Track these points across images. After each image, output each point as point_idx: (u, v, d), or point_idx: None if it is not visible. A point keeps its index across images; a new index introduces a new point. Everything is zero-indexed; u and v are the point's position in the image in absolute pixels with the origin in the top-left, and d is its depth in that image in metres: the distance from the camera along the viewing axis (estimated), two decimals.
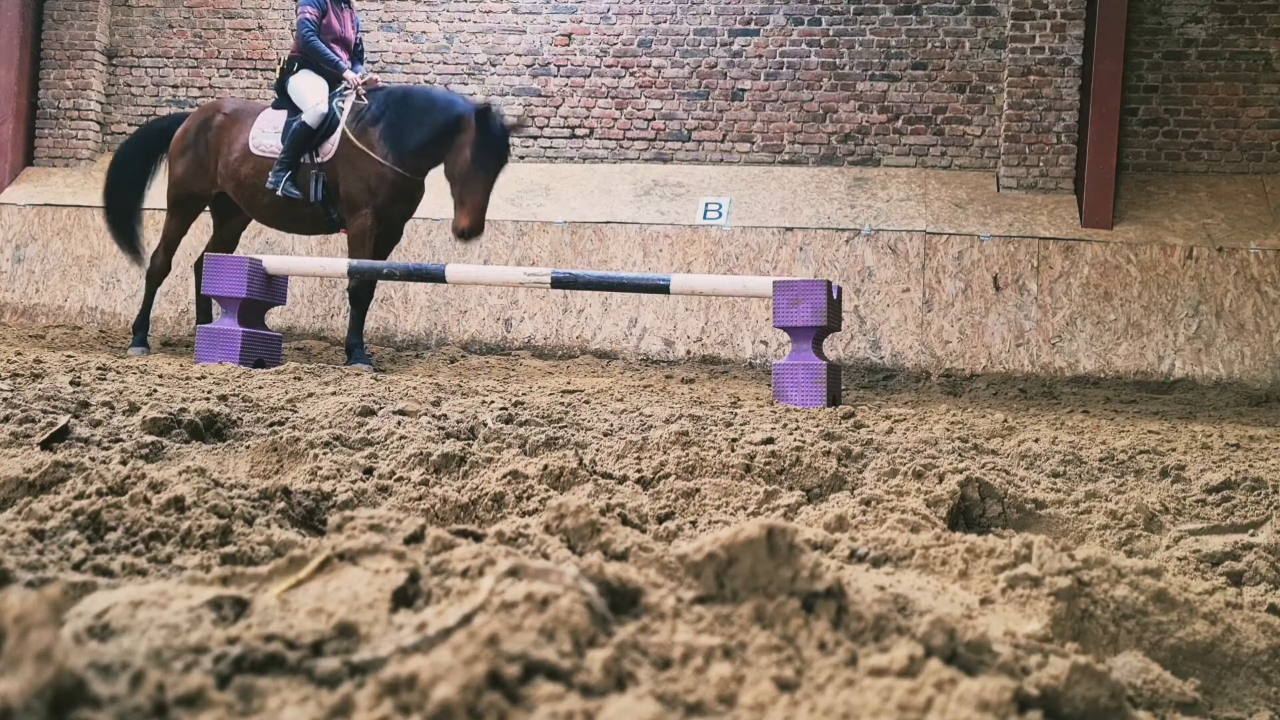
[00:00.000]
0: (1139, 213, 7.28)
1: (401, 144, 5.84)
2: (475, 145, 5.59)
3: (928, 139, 7.81)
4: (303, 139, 5.89)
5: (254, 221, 6.57)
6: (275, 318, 7.35)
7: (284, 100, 6.18)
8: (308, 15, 6.07)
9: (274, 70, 8.63)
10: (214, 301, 6.05)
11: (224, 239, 6.65)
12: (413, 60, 8.49)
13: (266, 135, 6.08)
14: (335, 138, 5.92)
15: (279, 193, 5.87)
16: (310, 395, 3.15)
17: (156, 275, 6.51)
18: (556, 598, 0.69)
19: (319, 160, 5.95)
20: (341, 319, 7.73)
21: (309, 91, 6.04)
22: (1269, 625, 1.01)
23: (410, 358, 6.82)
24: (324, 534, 1.22)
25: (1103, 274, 6.99)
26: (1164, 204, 7.33)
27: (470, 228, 5.59)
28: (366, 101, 5.95)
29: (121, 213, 6.60)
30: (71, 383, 2.98)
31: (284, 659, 0.66)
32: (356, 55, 6.35)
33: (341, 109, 5.98)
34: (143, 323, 6.43)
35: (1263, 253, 6.87)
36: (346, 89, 6.00)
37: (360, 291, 5.86)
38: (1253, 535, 1.51)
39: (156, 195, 6.96)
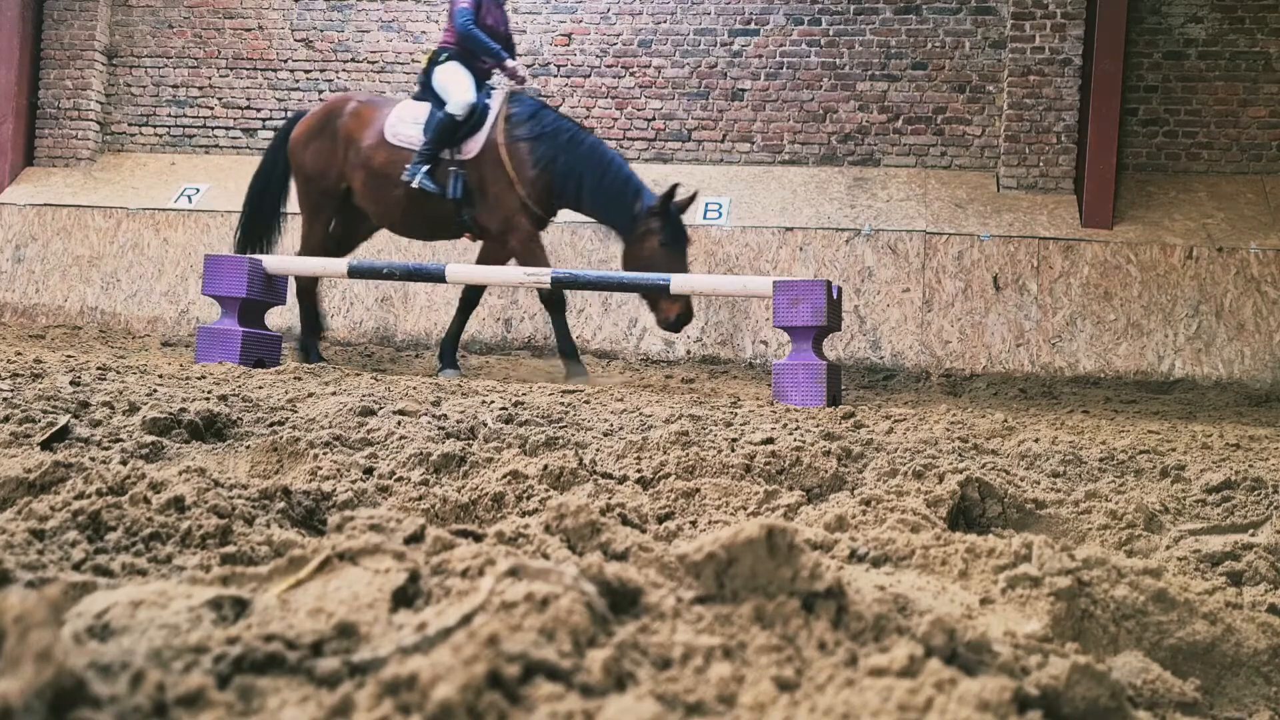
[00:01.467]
0: (1139, 213, 7.28)
1: (550, 182, 5.61)
2: (666, 231, 5.40)
3: (928, 139, 7.81)
4: (447, 131, 5.62)
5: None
6: (275, 318, 7.35)
7: (426, 92, 5.92)
8: (465, 4, 5.80)
9: (273, 70, 8.64)
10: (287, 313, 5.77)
11: (337, 246, 6.19)
12: (413, 60, 8.49)
13: (405, 124, 5.79)
14: (481, 137, 5.67)
15: (414, 184, 5.58)
16: (310, 395, 3.15)
17: (308, 289, 6.07)
18: (556, 598, 0.69)
19: (460, 158, 5.68)
20: (342, 319, 7.73)
21: (456, 83, 5.75)
22: (1269, 625, 1.01)
23: (410, 358, 6.82)
24: (324, 534, 1.22)
25: (1103, 274, 6.99)
26: (1164, 204, 7.33)
27: (682, 314, 5.36)
28: (515, 109, 5.71)
29: (260, 221, 6.25)
30: (71, 383, 2.98)
31: (284, 659, 0.66)
32: (509, 51, 6.08)
33: (489, 107, 5.74)
34: (309, 337, 6.03)
35: (1263, 253, 6.87)
36: (494, 87, 5.73)
37: (557, 299, 5.60)
38: (1253, 535, 1.51)
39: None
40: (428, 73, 5.91)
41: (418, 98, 5.97)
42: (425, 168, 5.58)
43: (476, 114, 5.67)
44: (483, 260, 6.01)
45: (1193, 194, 7.38)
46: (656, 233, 5.43)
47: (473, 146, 5.65)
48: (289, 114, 8.58)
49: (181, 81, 8.80)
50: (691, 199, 5.52)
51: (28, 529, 1.07)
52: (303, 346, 6.00)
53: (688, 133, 8.14)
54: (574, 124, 5.83)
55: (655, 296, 5.33)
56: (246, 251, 6.17)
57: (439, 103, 5.75)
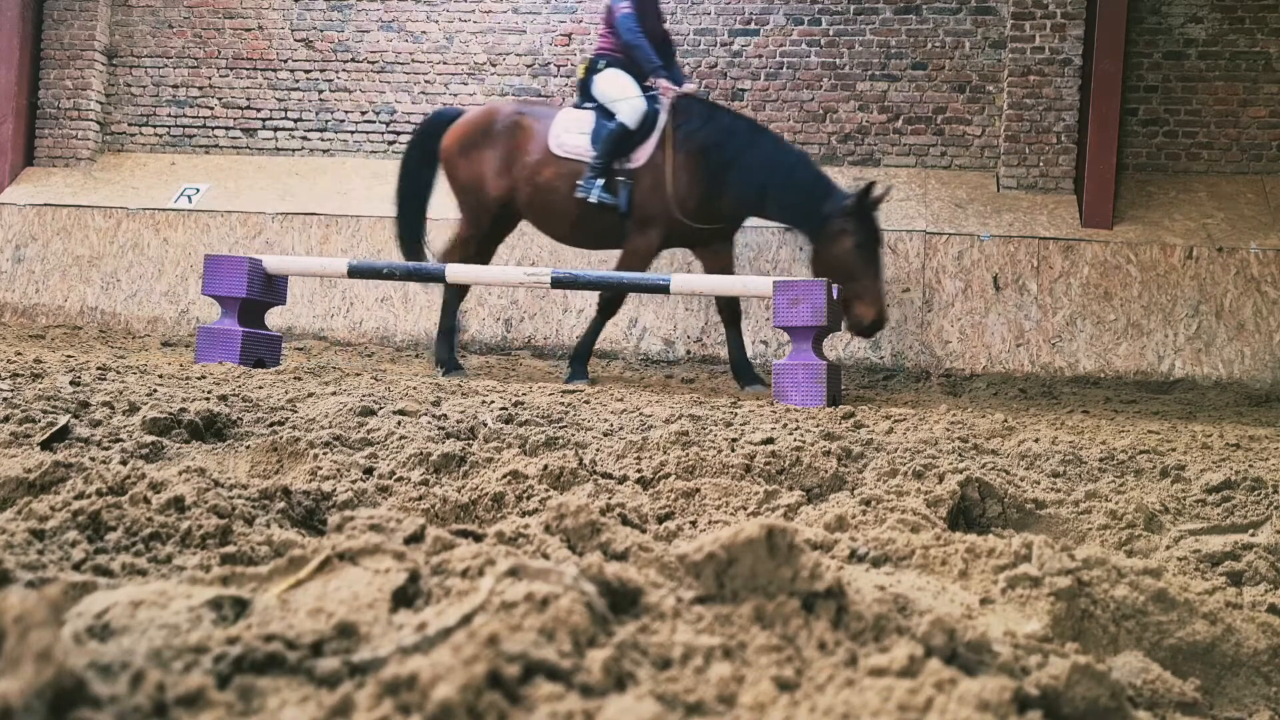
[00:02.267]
0: (1139, 213, 7.28)
1: (720, 188, 5.38)
2: (861, 231, 5.18)
3: (928, 139, 7.81)
4: (620, 141, 5.43)
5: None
6: (275, 318, 7.35)
7: (585, 100, 5.71)
8: (628, 11, 5.55)
9: (273, 70, 8.64)
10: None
11: (477, 248, 5.99)
12: (413, 60, 8.49)
13: (570, 135, 5.58)
14: (650, 145, 5.47)
15: (591, 199, 5.38)
16: (310, 395, 3.15)
17: (456, 295, 5.90)
18: (556, 598, 0.69)
19: (628, 166, 5.47)
20: (342, 319, 7.73)
21: (621, 91, 5.54)
22: (1269, 625, 1.01)
23: (410, 358, 6.82)
24: (324, 534, 1.22)
25: (1103, 274, 6.99)
26: (1164, 204, 7.33)
27: (878, 319, 5.20)
28: (685, 114, 5.48)
29: (416, 225, 6.08)
30: (71, 383, 2.98)
31: (284, 659, 0.66)
32: (668, 52, 5.88)
33: (659, 112, 5.51)
34: (446, 345, 5.79)
35: (1263, 253, 6.87)
36: (660, 93, 5.51)
37: (612, 302, 5.48)
38: (1253, 535, 1.51)
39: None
40: (586, 81, 5.73)
41: (578, 106, 5.76)
42: (600, 181, 5.41)
43: (648, 121, 5.47)
44: (709, 271, 5.74)
45: (1193, 194, 7.38)
46: (851, 233, 5.20)
47: (640, 155, 5.47)
48: (287, 112, 8.58)
49: (181, 81, 8.80)
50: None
51: (28, 529, 1.07)
52: (441, 360, 5.74)
53: None
54: (749, 123, 5.64)
55: (848, 300, 5.16)
56: (411, 257, 6.00)
57: (604, 112, 5.57)
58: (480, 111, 5.99)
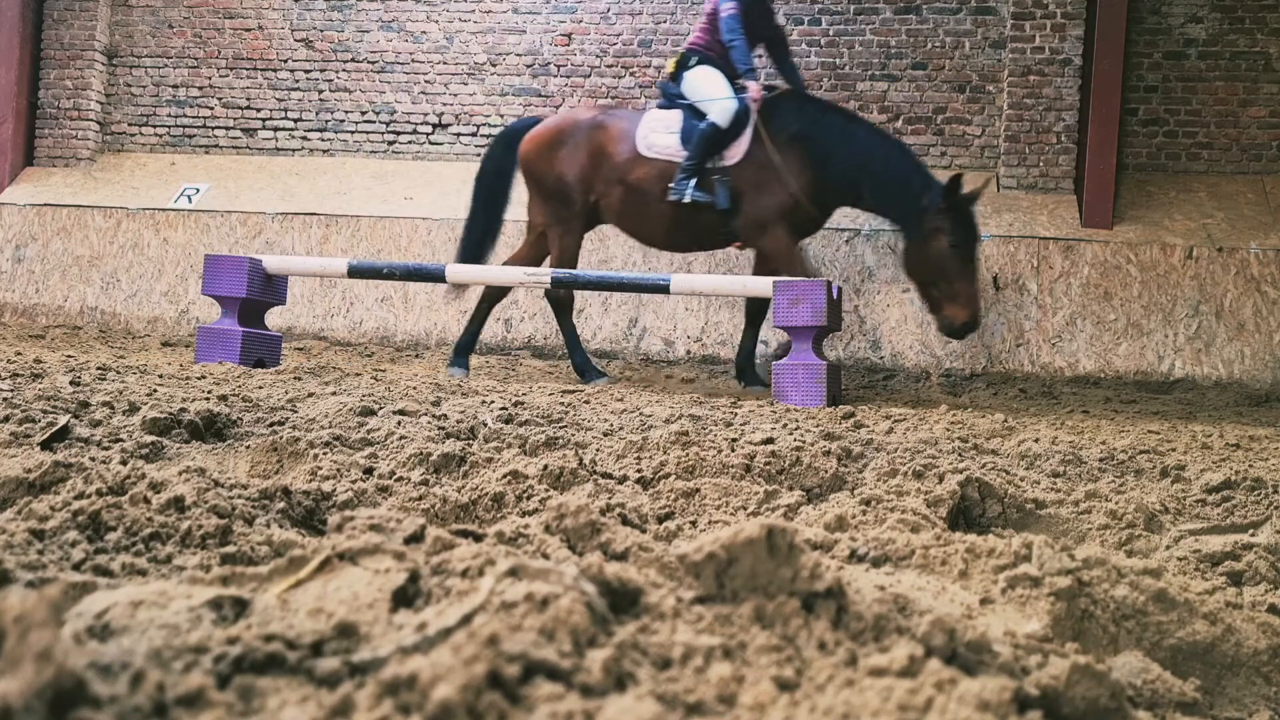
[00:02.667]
0: (1139, 213, 7.27)
1: (826, 181, 5.28)
2: (957, 230, 5.05)
3: (928, 139, 7.81)
4: (713, 141, 5.30)
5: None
6: (275, 318, 7.35)
7: (673, 100, 5.56)
8: (733, 12, 5.39)
9: (273, 70, 8.64)
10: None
11: (536, 254, 5.89)
12: (413, 60, 8.49)
13: (659, 135, 5.45)
14: (745, 140, 5.33)
15: (685, 199, 5.25)
16: (310, 395, 3.15)
17: (567, 304, 5.75)
18: (556, 598, 0.69)
19: (723, 164, 5.33)
20: (342, 318, 7.74)
21: (711, 88, 5.39)
22: (1269, 625, 1.01)
23: (410, 358, 6.82)
24: (324, 534, 1.22)
25: (1103, 274, 6.99)
26: (1164, 204, 7.33)
27: (971, 320, 5.08)
28: (779, 106, 5.36)
29: (488, 232, 5.95)
30: (71, 383, 2.98)
31: (284, 659, 0.66)
32: (782, 51, 5.75)
33: (749, 108, 5.37)
34: (580, 356, 5.69)
35: (1263, 253, 6.87)
36: (749, 94, 5.35)
37: (756, 304, 5.35)
38: (1253, 535, 1.51)
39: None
40: (675, 77, 5.58)
41: (664, 106, 5.62)
42: (693, 181, 5.28)
43: (740, 118, 5.35)
44: (757, 272, 5.61)
45: (1193, 194, 7.38)
46: (946, 232, 5.07)
47: (736, 151, 5.33)
48: (287, 112, 8.59)
49: (181, 81, 8.80)
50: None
51: (28, 529, 1.07)
52: (579, 368, 5.65)
53: None
54: (844, 113, 5.53)
55: (939, 300, 5.10)
56: (471, 261, 5.86)
57: (693, 111, 5.43)
58: (559, 116, 5.90)
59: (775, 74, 6.06)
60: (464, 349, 5.69)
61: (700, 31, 5.61)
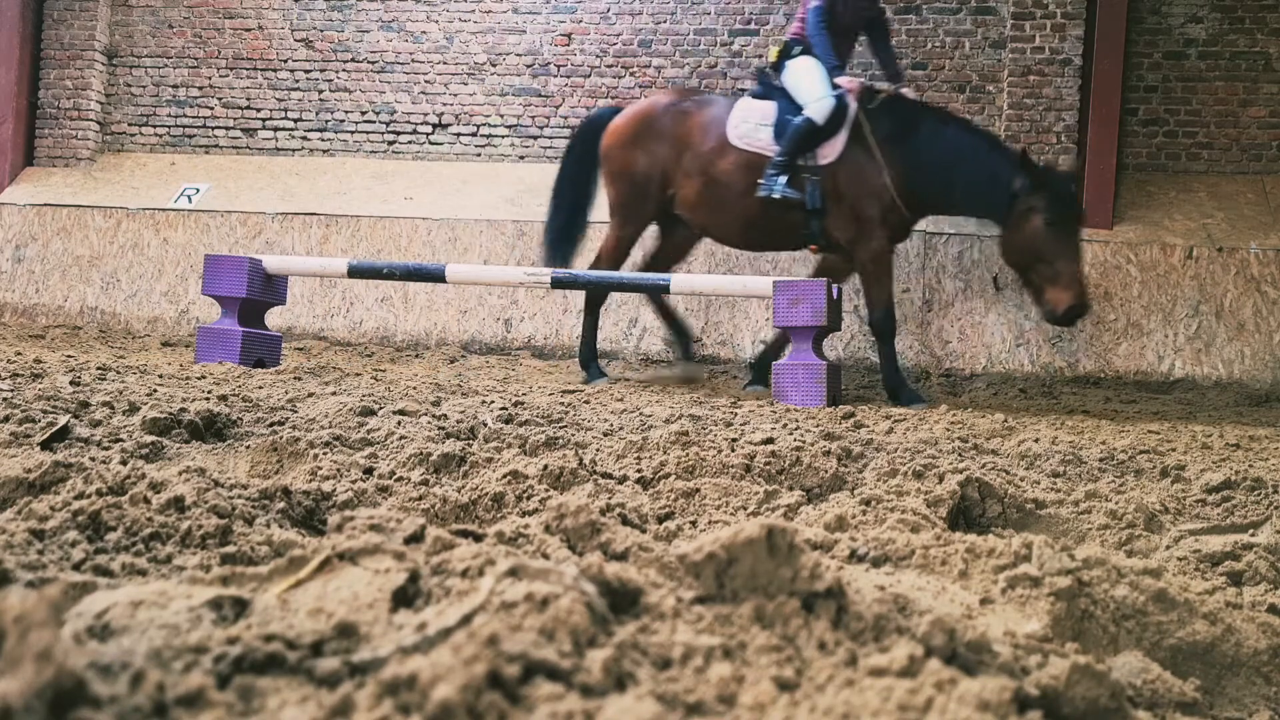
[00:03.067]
0: (1139, 213, 7.27)
1: (918, 181, 5.03)
2: (1052, 207, 4.76)
3: None
4: (806, 137, 5.04)
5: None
6: (275, 318, 7.35)
7: (771, 90, 5.30)
8: (818, 4, 5.15)
9: (273, 70, 8.64)
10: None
11: (669, 251, 5.75)
12: (413, 60, 8.49)
13: (750, 126, 5.21)
14: (841, 139, 5.07)
15: (775, 195, 5.00)
16: (310, 395, 3.14)
17: (598, 297, 5.68)
18: (556, 598, 0.69)
19: (816, 163, 5.08)
20: (342, 318, 7.73)
21: (811, 81, 5.12)
22: (1269, 625, 1.01)
23: (410, 358, 6.82)
24: (324, 534, 1.22)
25: (1103, 274, 6.99)
26: (1164, 204, 7.32)
27: (1077, 304, 4.77)
28: (874, 104, 5.11)
29: (574, 230, 5.81)
30: (71, 383, 2.98)
31: (284, 659, 0.66)
32: (882, 37, 5.48)
33: (849, 104, 5.12)
34: (588, 348, 5.64)
35: (1263, 253, 6.87)
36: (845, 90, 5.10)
37: (886, 322, 5.09)
38: (1253, 535, 1.51)
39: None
40: (776, 67, 5.33)
41: (758, 95, 5.37)
42: (784, 178, 5.02)
43: (835, 114, 5.09)
44: (820, 274, 5.43)
45: (1193, 194, 7.38)
46: (1040, 210, 4.77)
47: (831, 150, 5.07)
48: (287, 112, 8.58)
49: (181, 81, 8.80)
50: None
51: (28, 529, 1.07)
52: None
53: None
54: (938, 114, 5.27)
55: (1040, 285, 4.82)
56: (556, 264, 5.69)
57: (790, 103, 5.17)
58: (643, 104, 5.69)
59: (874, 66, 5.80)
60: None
61: (800, 21, 5.36)
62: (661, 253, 5.79)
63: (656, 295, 5.62)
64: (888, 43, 5.55)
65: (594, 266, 5.61)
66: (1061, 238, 4.79)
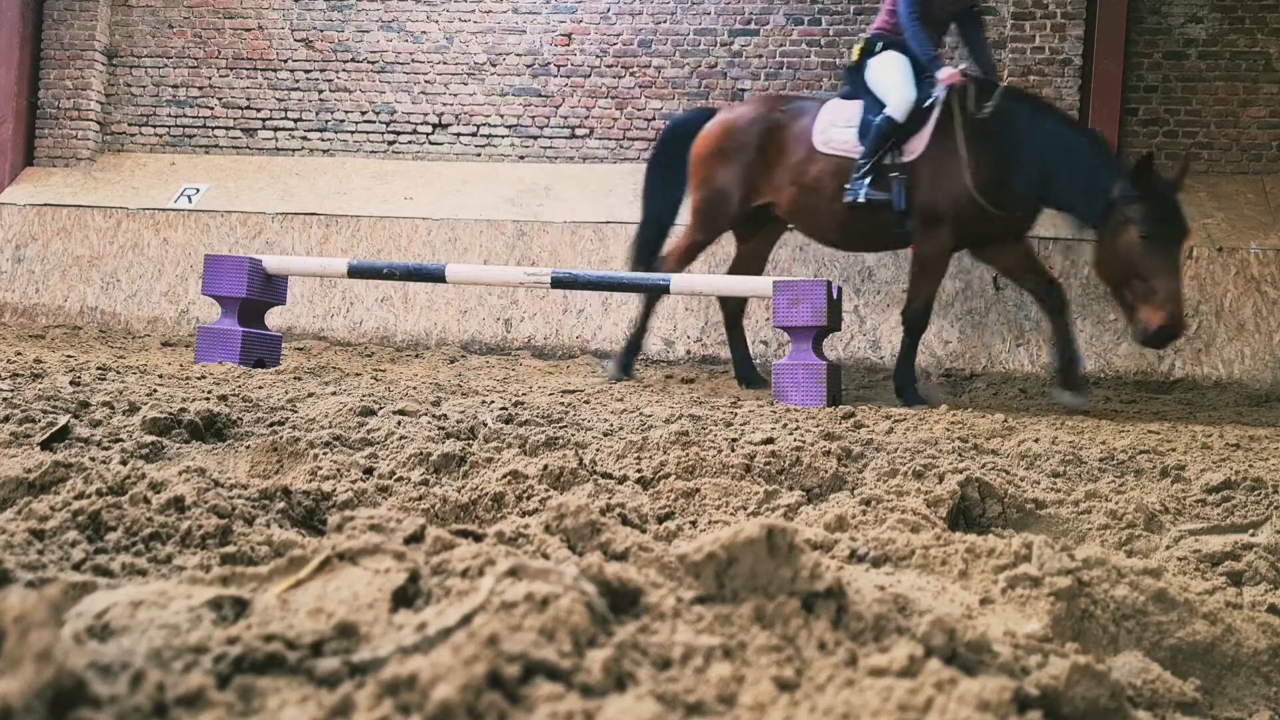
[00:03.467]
0: None
1: (1011, 176, 4.80)
2: (1147, 219, 4.49)
3: None
4: (887, 136, 4.88)
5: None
6: (275, 318, 7.35)
7: (857, 88, 5.16)
8: None
9: (273, 70, 8.64)
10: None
11: (750, 257, 5.70)
12: (413, 60, 8.49)
13: (836, 129, 5.08)
14: (926, 132, 4.89)
15: (860, 200, 4.87)
16: (310, 395, 3.15)
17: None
18: (556, 598, 0.69)
19: (901, 160, 4.92)
20: (342, 318, 7.73)
21: (894, 77, 4.96)
22: (1269, 625, 1.01)
23: (410, 358, 6.82)
24: (324, 534, 1.22)
25: None
26: None
27: (1169, 325, 4.47)
28: (964, 96, 4.88)
29: (661, 237, 5.74)
30: (71, 383, 2.98)
31: (284, 659, 0.66)
32: (975, 28, 5.24)
33: (935, 96, 4.92)
34: (634, 347, 5.57)
35: (1263, 253, 6.87)
36: (940, 86, 4.90)
37: (918, 319, 4.96)
38: (1253, 535, 1.51)
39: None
40: (859, 66, 5.17)
41: (846, 96, 5.24)
42: (867, 180, 4.88)
43: (919, 109, 4.91)
44: (1014, 273, 5.23)
45: (1193, 194, 7.38)
46: (1135, 223, 4.50)
47: (916, 145, 4.90)
48: (287, 112, 8.58)
49: (181, 81, 8.80)
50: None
51: (28, 529, 1.07)
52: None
53: None
54: (1033, 103, 5.04)
55: (1133, 303, 4.57)
56: (644, 268, 5.62)
57: (874, 101, 5.03)
58: (731, 114, 5.57)
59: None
60: (748, 372, 5.50)
61: (886, 14, 5.20)
62: (741, 259, 5.77)
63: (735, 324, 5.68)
64: (980, 34, 5.33)
65: (660, 267, 5.58)
66: (1158, 253, 4.53)
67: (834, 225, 5.15)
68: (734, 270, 5.78)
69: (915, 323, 5.02)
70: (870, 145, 4.90)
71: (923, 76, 4.99)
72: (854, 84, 5.23)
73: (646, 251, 5.73)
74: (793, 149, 5.20)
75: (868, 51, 5.15)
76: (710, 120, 5.58)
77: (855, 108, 5.11)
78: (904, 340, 5.04)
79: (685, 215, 5.76)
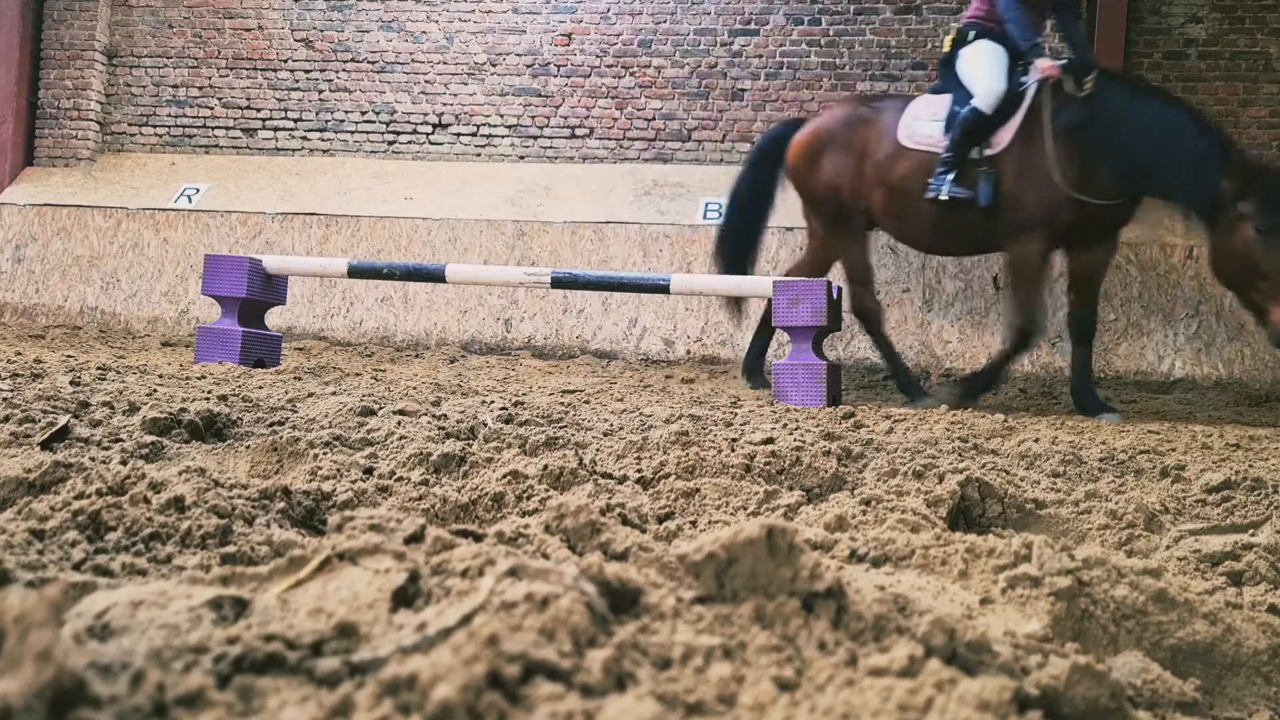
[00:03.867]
0: (1139, 212, 7.27)
1: (1103, 168, 4.50)
2: (1262, 211, 4.21)
3: None
4: (973, 129, 4.61)
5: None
6: (275, 318, 7.35)
7: (949, 81, 4.92)
8: None
9: (273, 70, 8.63)
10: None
11: (818, 262, 5.47)
12: (413, 60, 8.49)
13: (923, 124, 4.84)
14: (1013, 125, 4.62)
15: (942, 196, 4.63)
16: (310, 395, 3.14)
17: (876, 315, 5.22)
18: (556, 598, 0.69)
19: (989, 153, 4.64)
20: (342, 318, 7.73)
21: (985, 66, 4.72)
22: (1269, 625, 1.01)
23: (410, 358, 6.82)
24: (324, 534, 1.22)
25: None
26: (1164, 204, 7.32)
27: None
28: (1057, 83, 4.60)
29: (745, 243, 5.64)
30: (71, 383, 2.98)
31: (284, 659, 0.66)
32: (1070, 13, 4.96)
33: (1027, 85, 4.66)
34: (904, 372, 5.20)
35: None
36: (1034, 76, 4.63)
37: (1025, 331, 4.66)
38: (1253, 535, 1.51)
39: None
40: (950, 57, 4.94)
41: (937, 90, 5.02)
42: (950, 175, 4.63)
43: (1009, 99, 4.65)
44: (1077, 275, 4.98)
45: None
46: (1251, 217, 4.22)
47: (1003, 137, 4.63)
48: (287, 112, 8.58)
49: (181, 81, 8.80)
50: None
51: (28, 529, 1.07)
52: (904, 388, 5.13)
53: (688, 133, 8.14)
54: (1133, 85, 4.74)
55: (1262, 304, 4.29)
56: (733, 273, 5.51)
57: (964, 93, 4.76)
58: (822, 117, 5.39)
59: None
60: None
61: (978, 1, 4.95)
62: (812, 260, 5.57)
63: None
64: (1078, 21, 5.08)
65: (853, 294, 5.29)
66: (1277, 249, 4.22)
67: (924, 226, 4.87)
68: (794, 271, 5.56)
69: (1020, 336, 4.67)
70: (955, 138, 4.65)
71: (1016, 66, 4.74)
72: (945, 76, 5.01)
73: (733, 268, 5.58)
74: (879, 147, 4.96)
75: (959, 41, 4.91)
76: (799, 130, 5.43)
77: (944, 101, 4.86)
78: (1006, 351, 4.75)
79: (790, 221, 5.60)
